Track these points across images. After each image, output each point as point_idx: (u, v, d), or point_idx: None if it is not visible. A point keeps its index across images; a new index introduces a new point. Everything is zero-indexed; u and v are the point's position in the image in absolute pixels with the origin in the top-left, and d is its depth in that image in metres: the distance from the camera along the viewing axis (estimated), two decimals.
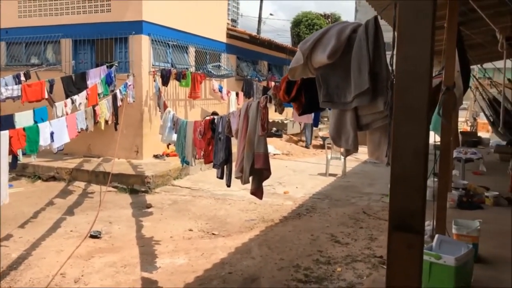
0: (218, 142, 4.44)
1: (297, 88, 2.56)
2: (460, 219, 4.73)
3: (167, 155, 9.77)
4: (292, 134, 14.66)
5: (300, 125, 14.16)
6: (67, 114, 7.42)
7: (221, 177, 4.66)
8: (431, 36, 1.50)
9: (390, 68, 1.95)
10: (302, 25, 24.35)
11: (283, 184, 8.78)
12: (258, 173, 3.61)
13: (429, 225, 5.30)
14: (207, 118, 5.21)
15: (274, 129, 14.51)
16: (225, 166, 4.57)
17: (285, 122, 14.60)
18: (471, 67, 9.35)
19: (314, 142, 14.09)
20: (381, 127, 2.13)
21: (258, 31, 28.70)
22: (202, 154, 5.04)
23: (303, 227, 6.10)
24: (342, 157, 9.71)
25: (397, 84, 1.52)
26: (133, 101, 9.37)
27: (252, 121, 3.45)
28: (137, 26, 9.47)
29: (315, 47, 2.12)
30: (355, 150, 2.28)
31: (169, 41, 10.43)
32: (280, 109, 3.19)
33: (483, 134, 14.69)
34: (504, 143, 10.08)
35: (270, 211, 6.93)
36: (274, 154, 12.25)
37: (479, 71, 10.58)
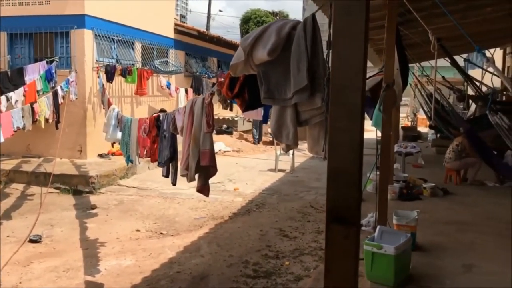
0: (163, 140, 4.36)
1: (240, 84, 2.57)
2: (400, 210, 4.94)
3: (113, 154, 9.47)
4: (243, 131, 14.70)
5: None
6: (1, 112, 6.97)
7: (167, 176, 4.59)
8: (365, 35, 1.55)
9: (326, 65, 2.01)
10: (251, 22, 24.47)
11: (233, 181, 8.79)
12: (204, 170, 3.59)
13: (372, 216, 5.53)
14: (155, 115, 5.10)
15: (225, 126, 14.49)
16: (170, 164, 4.50)
17: (236, 119, 14.61)
18: (410, 65, 9.83)
19: (264, 138, 14.22)
20: (320, 123, 2.19)
21: (207, 27, 28.48)
22: (146, 153, 4.93)
23: (253, 223, 6.15)
24: (291, 153, 9.87)
25: (332, 80, 1.56)
26: (76, 98, 8.98)
27: (197, 118, 3.42)
28: (79, 20, 9.08)
29: (255, 43, 2.15)
30: (295, 145, 2.33)
31: (114, 36, 10.09)
32: (224, 105, 3.19)
33: (422, 129, 15.49)
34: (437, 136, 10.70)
35: (220, 208, 6.91)
36: (225, 151, 12.24)
37: (418, 69, 11.13)
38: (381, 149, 4.81)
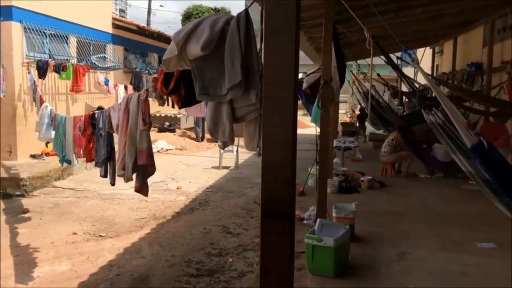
0: (99, 139, 4.18)
1: (175, 80, 2.52)
2: (339, 203, 5.11)
3: (47, 154, 8.95)
4: (186, 129, 14.49)
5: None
6: None
7: (105, 176, 4.41)
8: (296, 31, 1.57)
9: (260, 61, 2.01)
10: (193, 18, 24.16)
11: (176, 180, 8.64)
12: (142, 169, 3.48)
13: (313, 210, 5.67)
14: (90, 113, 4.88)
15: (167, 123, 14.20)
16: (108, 164, 4.33)
17: (178, 116, 14.37)
18: (349, 63, 10.18)
19: (207, 135, 14.11)
20: (255, 119, 2.19)
21: (148, 22, 27.73)
22: (82, 152, 4.70)
23: (196, 221, 6.08)
24: (235, 150, 9.88)
25: (265, 76, 1.56)
26: (4, 96, 8.39)
27: (133, 115, 3.30)
28: (6, 12, 8.47)
29: (189, 38, 2.10)
30: (231, 142, 2.32)
31: (46, 29, 9.53)
32: (160, 102, 3.11)
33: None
34: (378, 131, 11.17)
35: (162, 207, 6.77)
36: (167, 150, 12.00)
37: (356, 67, 11.54)
38: (320, 144, 4.93)
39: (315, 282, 3.82)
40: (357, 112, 15.32)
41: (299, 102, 7.88)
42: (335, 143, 8.22)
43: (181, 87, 2.56)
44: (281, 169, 1.56)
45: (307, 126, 15.08)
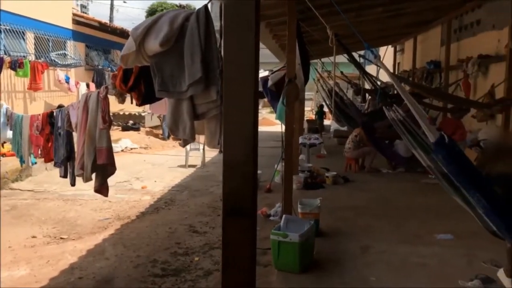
0: (58, 138, 4.04)
1: (134, 76, 2.47)
2: (305, 199, 5.17)
3: (3, 155, 8.58)
4: (151, 127, 14.25)
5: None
6: None
7: (65, 176, 4.27)
8: (255, 28, 1.57)
9: (220, 57, 2.00)
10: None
11: (141, 179, 8.49)
12: (101, 169, 3.39)
13: (279, 206, 5.71)
14: (48, 111, 4.71)
15: (131, 122, 13.92)
16: (68, 164, 4.19)
17: (143, 114, 14.12)
18: (313, 61, 10.31)
19: None
20: (216, 116, 2.18)
21: (111, 18, 27.06)
22: (40, 152, 4.54)
23: (161, 221, 6.00)
24: (201, 148, 9.81)
25: (225, 73, 1.56)
26: None
27: (92, 113, 3.21)
28: None
29: (147, 34, 2.07)
30: (192, 139, 2.30)
31: (1, 25, 9.11)
32: (120, 100, 3.04)
33: (325, 121, 16.35)
34: (343, 128, 11.38)
35: (126, 208, 6.64)
36: (132, 149, 11.77)
37: (321, 65, 11.70)
38: (285, 141, 4.97)
39: (281, 278, 3.86)
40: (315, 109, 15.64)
41: (265, 99, 7.93)
42: (300, 140, 8.32)
43: (141, 84, 2.52)
44: (242, 166, 1.56)
45: (273, 124, 15.18)
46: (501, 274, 3.46)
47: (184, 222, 5.92)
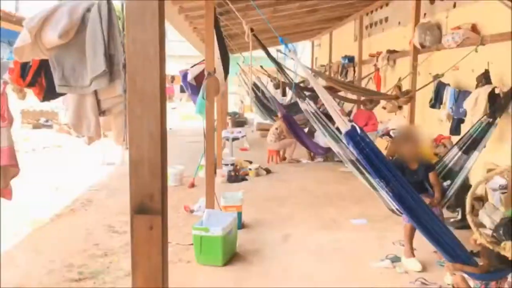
0: None
1: (34, 71, 2.29)
2: (228, 192, 5.21)
3: None
4: (66, 124, 13.41)
5: None
6: None
7: None
8: (160, 19, 1.52)
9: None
10: None
11: (55, 180, 7.95)
12: (3, 171, 3.11)
13: (203, 201, 5.69)
14: None
15: (43, 119, 12.99)
16: None
17: (56, 111, 13.23)
18: (236, 55, 10.35)
19: None
20: (123, 112, 2.10)
21: (16, 8, 24.87)
22: None
23: (78, 222, 5.68)
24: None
25: (128, 66, 1.50)
26: None
27: None
28: None
29: (44, 25, 1.92)
30: (98, 136, 2.20)
31: None
32: (20, 95, 2.81)
33: (249, 114, 16.56)
34: (265, 121, 11.60)
35: (38, 210, 6.18)
36: (44, 148, 11.00)
37: (243, 59, 11.78)
38: (206, 135, 4.95)
39: (203, 272, 3.86)
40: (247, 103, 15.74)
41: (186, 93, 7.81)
42: (223, 133, 8.35)
43: (42, 78, 2.34)
44: (149, 163, 1.51)
45: (194, 118, 15.02)
46: (403, 259, 3.77)
47: (103, 222, 5.66)
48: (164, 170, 1.59)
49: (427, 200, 3.73)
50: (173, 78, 17.13)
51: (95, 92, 2.04)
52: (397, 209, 3.32)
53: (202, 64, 6.72)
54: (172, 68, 13.35)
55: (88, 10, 1.94)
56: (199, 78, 6.50)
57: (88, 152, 10.86)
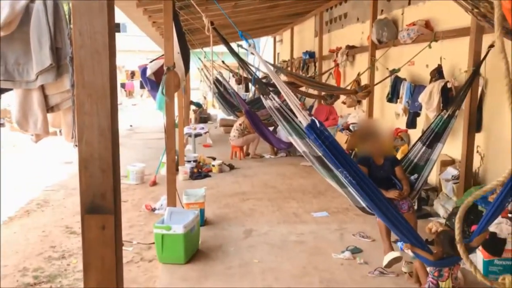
0: None
1: None
2: (190, 189, 5.14)
3: None
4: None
5: None
6: None
7: None
8: (108, 11, 1.47)
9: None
10: None
11: (7, 179, 7.59)
12: None
13: (165, 199, 5.59)
14: None
15: None
16: None
17: (8, 108, 12.61)
18: (197, 50, 10.22)
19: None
20: (72, 107, 2.02)
21: None
22: None
23: (33, 224, 5.45)
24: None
25: (75, 60, 1.43)
26: None
27: None
28: None
29: None
30: (46, 134, 2.11)
31: None
32: None
33: (212, 110, 16.46)
34: (228, 117, 11.54)
35: None
36: None
37: (205, 54, 11.66)
38: (167, 131, 4.86)
39: (165, 271, 3.80)
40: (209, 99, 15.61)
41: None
42: (186, 130, 8.24)
43: None
44: (100, 161, 1.46)
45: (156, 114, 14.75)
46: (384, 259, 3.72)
47: (60, 223, 5.46)
48: (117, 167, 1.53)
49: (396, 193, 3.81)
50: (133, 73, 16.75)
51: (42, 87, 1.94)
52: (367, 205, 3.37)
53: (162, 58, 6.59)
54: (132, 63, 13.04)
55: (32, 0, 1.84)
56: (158, 73, 6.36)
57: (45, 150, 10.47)
